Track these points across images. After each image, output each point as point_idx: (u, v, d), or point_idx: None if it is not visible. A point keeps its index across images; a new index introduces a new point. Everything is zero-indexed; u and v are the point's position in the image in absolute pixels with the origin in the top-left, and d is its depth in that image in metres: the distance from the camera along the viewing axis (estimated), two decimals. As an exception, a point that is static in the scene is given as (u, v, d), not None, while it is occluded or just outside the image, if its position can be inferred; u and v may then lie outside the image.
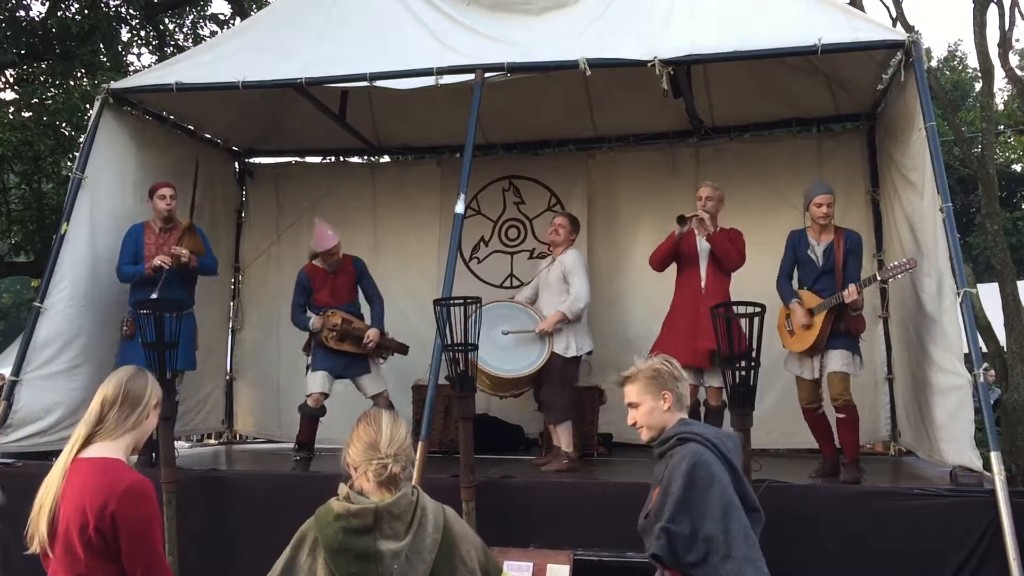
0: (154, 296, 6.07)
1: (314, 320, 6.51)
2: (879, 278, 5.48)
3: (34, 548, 2.78)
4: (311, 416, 6.37)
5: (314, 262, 6.71)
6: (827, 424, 5.85)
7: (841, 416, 5.67)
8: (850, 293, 5.44)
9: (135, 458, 3.13)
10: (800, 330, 5.76)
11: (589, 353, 6.49)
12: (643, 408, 3.17)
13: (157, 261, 6.21)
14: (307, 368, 6.67)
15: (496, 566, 2.72)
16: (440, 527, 2.55)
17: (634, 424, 3.23)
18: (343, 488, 2.55)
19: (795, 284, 5.96)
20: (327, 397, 6.41)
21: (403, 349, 6.76)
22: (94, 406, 2.88)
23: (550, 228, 6.64)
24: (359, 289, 6.79)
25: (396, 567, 2.43)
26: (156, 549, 2.76)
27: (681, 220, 5.97)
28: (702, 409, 5.96)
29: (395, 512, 2.49)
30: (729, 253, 5.96)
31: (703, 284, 6.01)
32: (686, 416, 3.19)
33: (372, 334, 6.45)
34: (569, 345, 6.25)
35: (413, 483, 2.70)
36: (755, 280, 6.20)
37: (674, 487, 2.92)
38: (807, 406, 5.86)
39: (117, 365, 6.32)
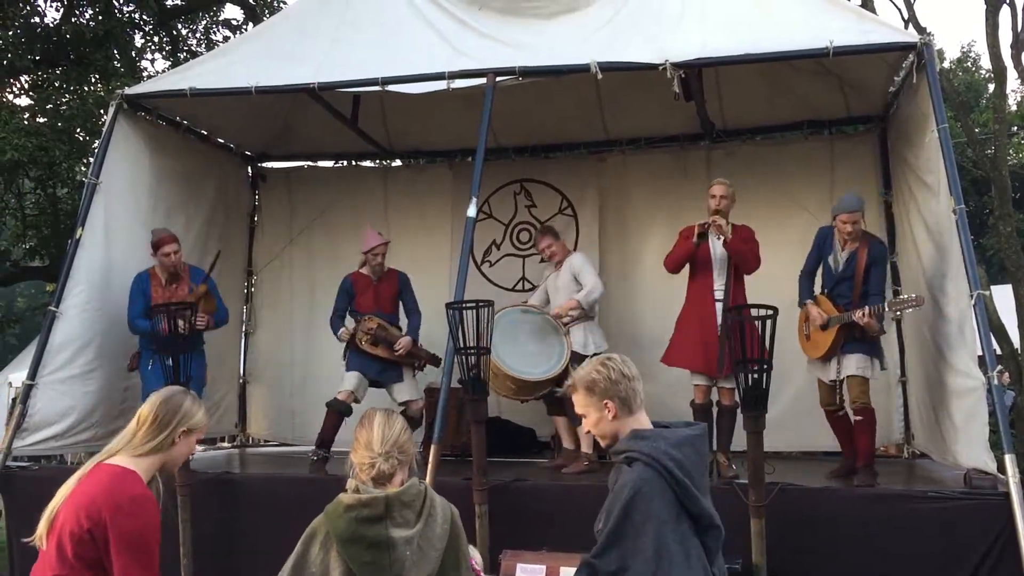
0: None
1: (342, 331, 6.60)
2: (887, 310, 5.46)
3: (34, 540, 2.83)
4: (338, 411, 6.40)
5: (361, 270, 6.84)
6: (848, 426, 5.85)
7: (858, 419, 5.66)
8: (861, 317, 5.43)
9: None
10: (815, 335, 5.78)
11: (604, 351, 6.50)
12: (590, 419, 2.95)
13: (179, 326, 5.83)
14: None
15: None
16: (448, 519, 2.61)
17: (588, 432, 3.11)
18: (351, 482, 2.60)
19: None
20: (358, 401, 6.44)
21: (435, 360, 6.75)
22: (132, 421, 2.93)
23: (541, 254, 6.90)
24: (400, 303, 6.90)
25: (409, 554, 2.48)
26: (145, 564, 2.73)
27: (702, 236, 5.96)
28: (715, 409, 5.95)
29: (405, 500, 2.54)
30: (746, 258, 5.95)
31: (716, 289, 5.99)
32: (641, 419, 2.90)
33: (404, 342, 6.56)
34: (587, 343, 6.30)
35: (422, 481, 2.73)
36: (768, 282, 6.19)
37: (611, 517, 2.73)
38: (827, 408, 5.90)
39: (143, 382, 6.36)
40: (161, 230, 6.54)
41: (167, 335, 5.70)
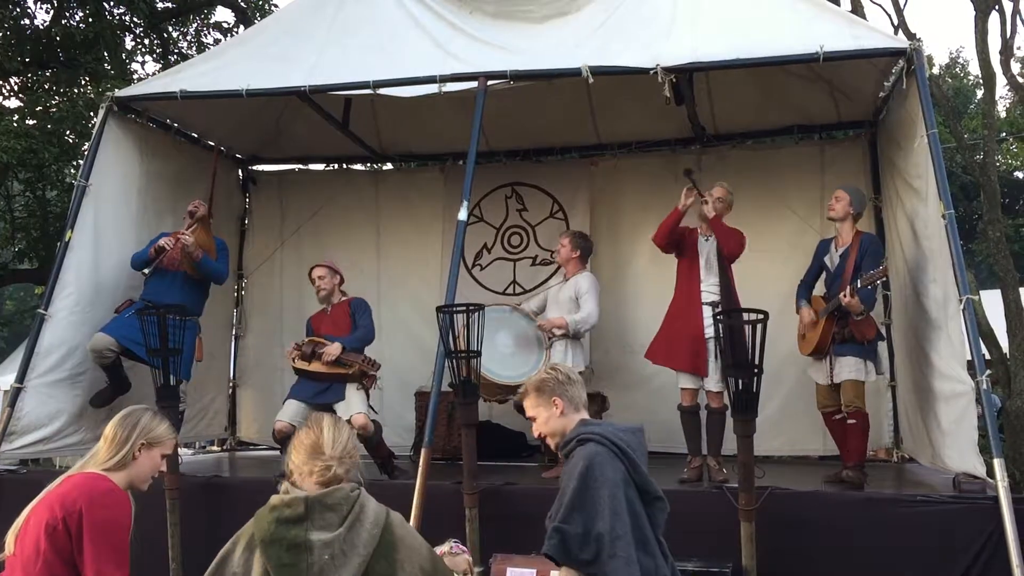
0: (146, 272, 6.32)
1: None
2: (859, 286, 5.50)
3: (5, 552, 2.90)
4: (281, 445, 6.06)
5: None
6: (844, 430, 5.86)
7: (851, 422, 5.69)
8: (843, 297, 5.46)
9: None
10: (808, 332, 5.89)
11: (580, 373, 6.46)
12: (540, 419, 3.25)
13: (161, 242, 6.29)
14: None
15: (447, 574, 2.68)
16: (380, 525, 2.51)
17: (539, 435, 3.30)
18: (284, 484, 2.54)
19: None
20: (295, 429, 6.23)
21: (369, 365, 6.23)
22: (99, 441, 3.07)
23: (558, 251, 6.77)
24: None
25: (327, 558, 2.41)
26: (115, 557, 2.79)
27: (688, 172, 5.95)
28: (703, 413, 5.96)
29: (328, 503, 2.47)
30: (729, 236, 5.90)
31: (704, 290, 5.97)
32: (586, 416, 3.25)
33: (329, 349, 6.19)
34: (565, 358, 6.25)
35: (359, 486, 2.61)
36: (758, 286, 6.21)
37: (569, 488, 3.00)
38: (823, 411, 5.94)
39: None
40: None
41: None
